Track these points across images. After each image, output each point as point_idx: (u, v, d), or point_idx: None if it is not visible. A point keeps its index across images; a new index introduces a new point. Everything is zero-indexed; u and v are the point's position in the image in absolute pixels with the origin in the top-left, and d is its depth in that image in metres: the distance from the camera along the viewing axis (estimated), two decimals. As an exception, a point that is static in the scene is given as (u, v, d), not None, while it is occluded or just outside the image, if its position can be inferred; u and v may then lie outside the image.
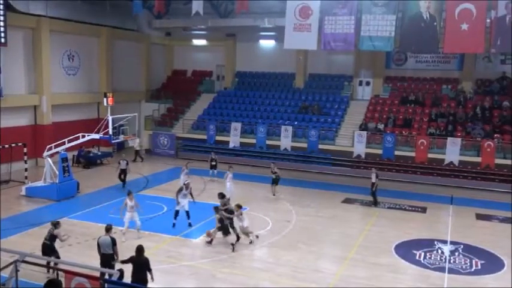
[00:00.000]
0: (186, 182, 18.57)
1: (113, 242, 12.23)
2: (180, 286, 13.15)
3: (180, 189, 17.88)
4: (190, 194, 18.53)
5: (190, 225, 17.71)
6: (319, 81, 34.68)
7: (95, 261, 12.36)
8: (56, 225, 13.05)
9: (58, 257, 12.63)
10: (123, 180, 23.56)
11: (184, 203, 17.58)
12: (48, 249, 12.79)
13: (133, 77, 35.75)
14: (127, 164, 23.82)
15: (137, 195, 22.16)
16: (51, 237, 12.94)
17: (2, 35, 23.87)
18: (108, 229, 12.51)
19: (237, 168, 28.00)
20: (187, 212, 17.72)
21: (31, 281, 10.77)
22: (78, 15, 29.58)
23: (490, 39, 21.95)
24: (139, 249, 11.33)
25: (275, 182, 22.57)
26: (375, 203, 21.48)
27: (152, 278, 11.23)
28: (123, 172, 23.53)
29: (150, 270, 11.23)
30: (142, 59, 36.39)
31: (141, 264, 11.19)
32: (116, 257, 12.18)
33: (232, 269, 14.16)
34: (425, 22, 22.75)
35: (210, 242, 15.99)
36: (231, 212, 16.33)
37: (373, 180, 21.52)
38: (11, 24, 24.43)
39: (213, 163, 25.38)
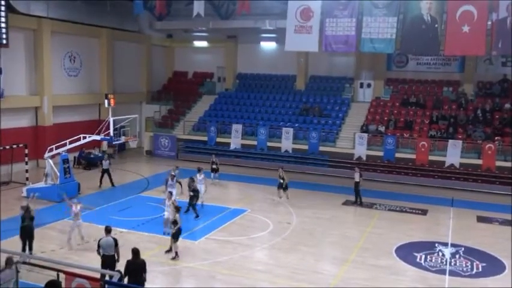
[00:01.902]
0: (172, 173, 19.97)
1: (115, 243, 12.25)
2: (179, 287, 13.16)
3: (167, 180, 19.66)
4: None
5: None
6: (320, 83, 34.67)
7: (96, 262, 12.37)
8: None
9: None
10: (110, 180, 23.76)
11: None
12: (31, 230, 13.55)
13: (134, 79, 35.77)
14: (109, 164, 24.07)
15: (138, 196, 22.29)
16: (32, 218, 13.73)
17: (4, 36, 23.87)
18: (108, 230, 12.51)
19: (238, 169, 28.06)
20: None
21: (30, 282, 10.78)
22: (79, 16, 29.63)
23: (491, 42, 21.96)
24: (135, 252, 11.21)
25: (282, 187, 21.80)
26: (360, 202, 21.65)
27: (145, 279, 11.16)
28: (107, 172, 23.67)
29: (145, 272, 11.15)
30: (143, 60, 36.41)
31: (137, 267, 11.07)
32: (117, 257, 12.20)
33: (231, 271, 14.16)
34: (426, 24, 22.75)
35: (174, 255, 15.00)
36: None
37: (357, 179, 21.67)
38: (12, 25, 24.47)
39: (214, 166, 24.90)
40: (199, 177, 20.71)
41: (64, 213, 18.00)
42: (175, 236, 14.75)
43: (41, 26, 27.30)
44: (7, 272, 9.47)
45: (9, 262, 9.70)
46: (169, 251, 15.08)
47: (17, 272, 9.13)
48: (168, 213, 16.48)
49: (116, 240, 12.33)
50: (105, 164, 23.77)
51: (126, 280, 10.87)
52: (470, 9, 21.89)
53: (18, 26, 25.70)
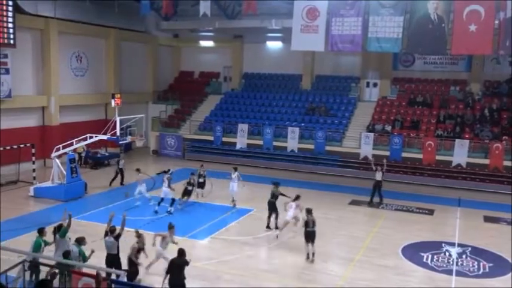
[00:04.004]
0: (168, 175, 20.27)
1: (117, 238, 12.45)
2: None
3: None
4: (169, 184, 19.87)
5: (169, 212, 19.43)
6: (326, 82, 34.62)
7: (103, 261, 12.40)
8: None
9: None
10: (122, 180, 23.94)
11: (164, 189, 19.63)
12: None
13: (140, 78, 35.86)
14: (123, 163, 24.16)
15: (144, 195, 22.30)
16: None
17: (11, 36, 24.03)
18: (112, 231, 12.62)
19: (244, 169, 27.98)
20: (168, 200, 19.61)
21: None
22: (86, 17, 29.74)
23: (499, 41, 21.80)
24: (181, 252, 11.37)
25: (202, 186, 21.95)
26: (371, 202, 21.64)
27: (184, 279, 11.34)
28: (120, 171, 23.81)
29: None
30: (150, 60, 36.49)
31: (180, 266, 11.22)
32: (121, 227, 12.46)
33: (237, 270, 14.15)
34: (433, 23, 22.62)
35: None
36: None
37: (379, 178, 21.59)
38: (19, 26, 24.61)
39: (201, 180, 21.67)
40: (233, 175, 20.91)
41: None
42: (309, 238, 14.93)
43: (48, 26, 27.42)
44: None
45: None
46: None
47: (25, 270, 9.17)
48: None
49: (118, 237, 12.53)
50: (121, 163, 23.95)
51: (167, 278, 11.08)
52: (478, 9, 21.74)
53: (25, 26, 25.84)
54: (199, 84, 38.13)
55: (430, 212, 20.97)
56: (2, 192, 22.01)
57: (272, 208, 17.75)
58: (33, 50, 27.37)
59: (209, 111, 34.10)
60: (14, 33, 24.11)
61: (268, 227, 17.81)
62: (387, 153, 27.30)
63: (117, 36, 32.63)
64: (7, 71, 24.78)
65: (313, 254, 15.05)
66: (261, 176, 26.76)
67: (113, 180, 23.91)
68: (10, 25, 23.92)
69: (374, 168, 21.74)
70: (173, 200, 19.58)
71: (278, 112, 32.43)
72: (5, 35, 23.79)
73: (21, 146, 23.70)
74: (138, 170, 21.25)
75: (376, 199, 21.76)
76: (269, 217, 17.82)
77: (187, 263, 11.35)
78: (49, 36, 27.52)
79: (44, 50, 27.65)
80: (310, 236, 15.05)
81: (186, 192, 20.29)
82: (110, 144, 29.03)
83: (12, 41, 24.16)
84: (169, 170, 20.90)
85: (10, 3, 23.80)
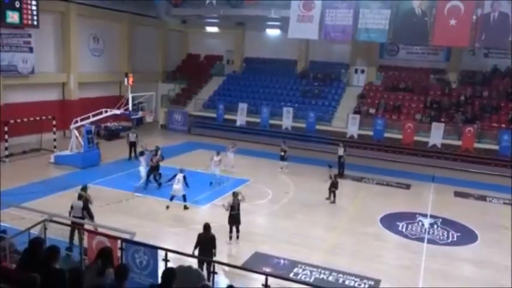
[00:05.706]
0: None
1: (83, 206, 12.63)
2: (187, 248, 13.30)
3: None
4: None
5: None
6: (319, 68, 34.37)
7: (116, 223, 12.48)
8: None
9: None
10: (134, 152, 23.48)
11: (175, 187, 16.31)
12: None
13: (151, 60, 35.52)
14: (136, 136, 23.80)
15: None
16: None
17: (35, 18, 23.74)
18: (80, 196, 12.88)
19: (243, 144, 27.99)
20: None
21: (58, 238, 10.92)
22: (103, 2, 29.23)
23: (475, 35, 21.64)
24: (206, 227, 10.83)
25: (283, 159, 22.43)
26: (342, 173, 21.55)
27: (215, 254, 10.71)
28: (133, 144, 23.51)
29: (214, 247, 10.73)
30: (160, 43, 36.11)
31: (207, 241, 10.69)
32: (87, 219, 12.46)
33: (234, 233, 14.24)
34: (417, 17, 22.44)
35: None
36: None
37: (340, 153, 21.96)
38: (42, 9, 24.24)
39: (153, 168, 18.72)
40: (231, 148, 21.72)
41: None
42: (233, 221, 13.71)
43: (68, 10, 27.04)
44: None
45: None
46: None
47: (45, 229, 9.23)
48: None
49: (84, 204, 12.67)
50: (132, 137, 23.66)
51: (196, 252, 10.59)
52: (458, 4, 21.54)
53: (47, 10, 25.40)
54: (204, 66, 37.80)
55: (407, 187, 21.09)
56: (27, 159, 22.08)
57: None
58: (55, 31, 27.03)
59: (213, 91, 33.92)
60: (37, 15, 23.79)
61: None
62: (371, 133, 27.35)
63: (131, 21, 32.21)
64: (31, 50, 24.50)
65: (237, 237, 13.63)
66: (258, 150, 26.83)
67: (130, 152, 23.40)
68: (34, 8, 23.60)
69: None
70: (184, 195, 16.39)
71: (275, 93, 32.28)
72: (29, 17, 23.48)
73: (44, 118, 23.63)
74: (141, 153, 19.09)
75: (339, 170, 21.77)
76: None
77: (214, 240, 10.76)
78: (69, 19, 27.14)
79: (64, 31, 27.31)
80: (234, 219, 13.56)
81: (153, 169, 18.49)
82: (124, 118, 28.87)
83: (35, 22, 23.86)
84: (143, 153, 19.04)
85: (34, -13, 23.40)
